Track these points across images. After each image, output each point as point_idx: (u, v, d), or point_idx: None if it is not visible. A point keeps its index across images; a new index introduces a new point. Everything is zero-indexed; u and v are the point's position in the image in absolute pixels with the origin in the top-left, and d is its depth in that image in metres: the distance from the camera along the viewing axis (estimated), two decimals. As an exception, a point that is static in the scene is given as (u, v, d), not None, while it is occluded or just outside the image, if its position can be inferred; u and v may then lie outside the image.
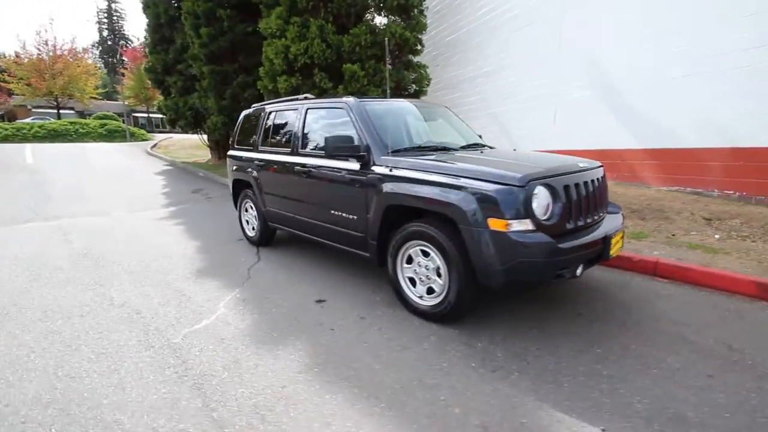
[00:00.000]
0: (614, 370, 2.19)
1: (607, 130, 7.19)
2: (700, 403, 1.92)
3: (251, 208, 4.72)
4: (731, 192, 5.43)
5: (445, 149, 3.29)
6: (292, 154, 3.87)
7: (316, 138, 3.69)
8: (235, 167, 4.88)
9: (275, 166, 4.11)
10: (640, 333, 2.58)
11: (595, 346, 2.43)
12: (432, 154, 3.06)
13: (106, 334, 2.67)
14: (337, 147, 3.05)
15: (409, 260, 2.85)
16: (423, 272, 2.76)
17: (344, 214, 3.28)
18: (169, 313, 2.98)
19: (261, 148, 4.40)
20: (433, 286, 2.71)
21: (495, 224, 2.30)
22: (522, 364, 2.25)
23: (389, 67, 9.28)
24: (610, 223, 2.85)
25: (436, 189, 2.56)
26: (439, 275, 2.67)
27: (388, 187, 2.86)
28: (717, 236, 4.39)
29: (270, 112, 4.38)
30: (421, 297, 2.81)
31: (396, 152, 3.04)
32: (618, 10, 6.72)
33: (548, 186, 2.39)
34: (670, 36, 5.94)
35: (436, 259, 2.64)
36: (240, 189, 4.96)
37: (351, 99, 3.41)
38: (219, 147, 15.55)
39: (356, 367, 2.24)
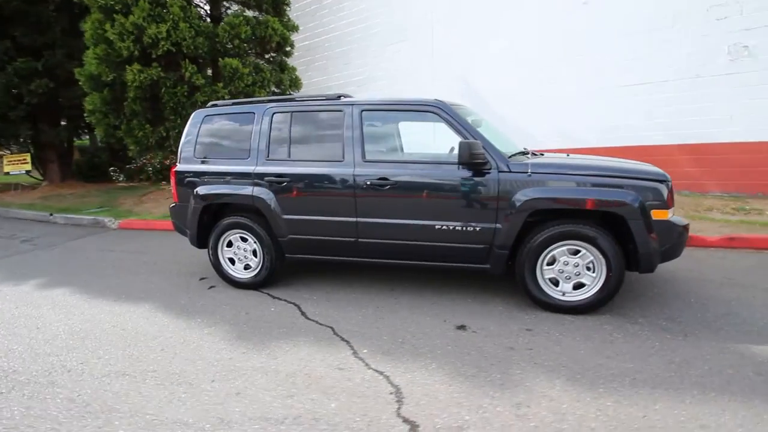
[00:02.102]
0: (751, 311, 2.87)
1: (479, 136, 8.74)
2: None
3: (244, 239, 3.51)
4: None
5: (525, 153, 3.44)
6: (347, 165, 3.15)
7: (391, 145, 3.17)
8: (205, 189, 3.49)
9: (315, 181, 3.24)
10: (717, 284, 3.38)
11: (716, 303, 3.06)
12: (542, 156, 3.19)
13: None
14: (472, 154, 2.75)
15: (550, 262, 2.92)
16: (570, 270, 2.87)
17: (459, 228, 2.97)
18: (344, 406, 2.01)
19: (270, 158, 3.35)
20: (583, 280, 2.88)
21: (659, 214, 2.69)
22: (713, 326, 2.70)
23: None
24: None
25: (600, 190, 2.74)
26: (587, 269, 2.86)
27: (528, 192, 2.81)
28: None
29: (277, 113, 3.38)
30: (564, 294, 2.92)
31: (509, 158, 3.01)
32: (486, 37, 8.22)
33: (666, 180, 2.98)
34: (529, 63, 7.75)
35: (588, 255, 2.82)
36: (214, 216, 3.60)
37: (440, 101, 3.10)
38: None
39: (641, 378, 2.15)
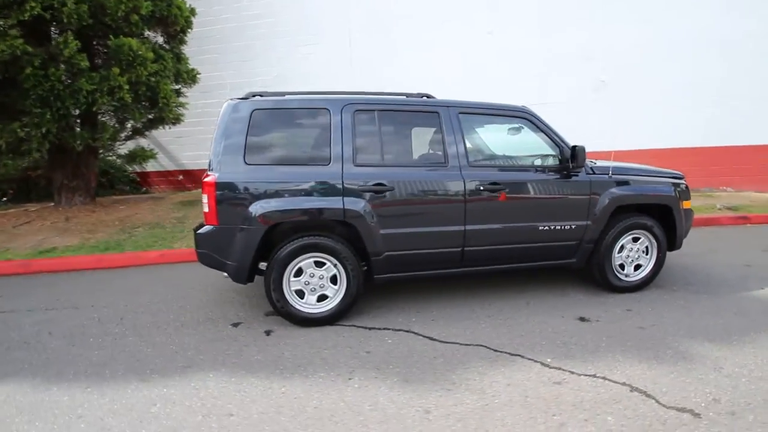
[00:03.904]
0: (719, 271, 3.89)
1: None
2: None
3: (319, 264, 2.84)
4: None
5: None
6: (453, 169, 2.94)
7: (489, 149, 3.11)
8: (271, 204, 2.69)
9: (421, 189, 2.91)
10: (676, 255, 4.45)
11: (694, 270, 4.08)
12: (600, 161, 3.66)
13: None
14: (583, 158, 2.96)
15: (619, 250, 3.39)
16: (633, 256, 3.42)
17: (558, 227, 3.15)
18: (619, 414, 1.87)
19: (359, 164, 2.83)
20: (640, 262, 3.46)
21: (686, 204, 3.48)
22: (713, 284, 3.61)
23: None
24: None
25: (655, 188, 3.35)
26: (643, 253, 3.45)
27: (614, 191, 3.23)
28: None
29: (360, 111, 2.88)
30: (627, 276, 3.45)
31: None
32: (404, 50, 8.56)
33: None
34: (444, 80, 8.46)
35: (646, 242, 3.42)
36: (276, 238, 2.79)
37: (526, 107, 3.21)
38: None
39: (741, 327, 2.75)
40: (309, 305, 2.90)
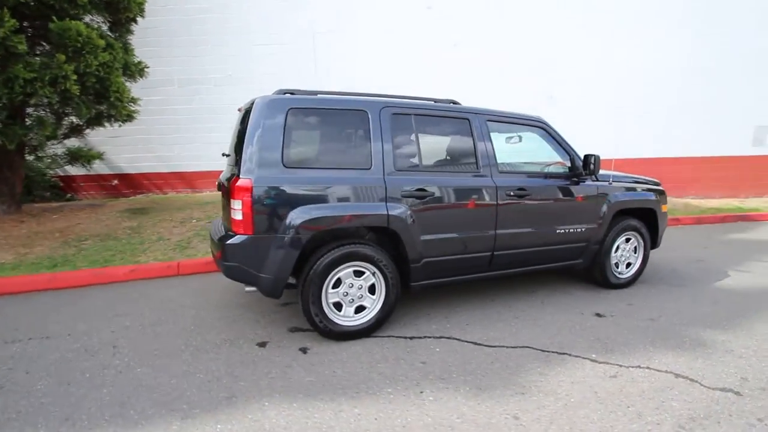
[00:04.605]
0: (682, 266, 4.50)
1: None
2: None
3: (358, 273, 2.69)
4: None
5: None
6: (485, 175, 3.00)
7: (511, 156, 3.18)
8: (314, 211, 2.51)
9: (459, 194, 2.92)
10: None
11: (660, 266, 4.62)
12: None
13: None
14: (599, 166, 3.18)
15: (615, 250, 3.71)
16: (626, 255, 3.77)
17: (572, 230, 3.36)
18: (680, 397, 2.01)
19: (399, 169, 2.75)
20: (631, 260, 3.81)
21: (664, 208, 3.93)
22: (687, 279, 4.09)
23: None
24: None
25: (644, 194, 3.72)
26: (633, 252, 3.81)
27: (616, 196, 3.54)
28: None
29: (397, 114, 2.80)
30: (621, 273, 3.78)
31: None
32: (369, 57, 8.54)
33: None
34: (410, 90, 8.60)
35: (635, 242, 3.78)
36: (307, 247, 2.58)
37: (541, 117, 3.36)
38: None
39: (728, 314, 3.17)
40: (347, 318, 2.73)
